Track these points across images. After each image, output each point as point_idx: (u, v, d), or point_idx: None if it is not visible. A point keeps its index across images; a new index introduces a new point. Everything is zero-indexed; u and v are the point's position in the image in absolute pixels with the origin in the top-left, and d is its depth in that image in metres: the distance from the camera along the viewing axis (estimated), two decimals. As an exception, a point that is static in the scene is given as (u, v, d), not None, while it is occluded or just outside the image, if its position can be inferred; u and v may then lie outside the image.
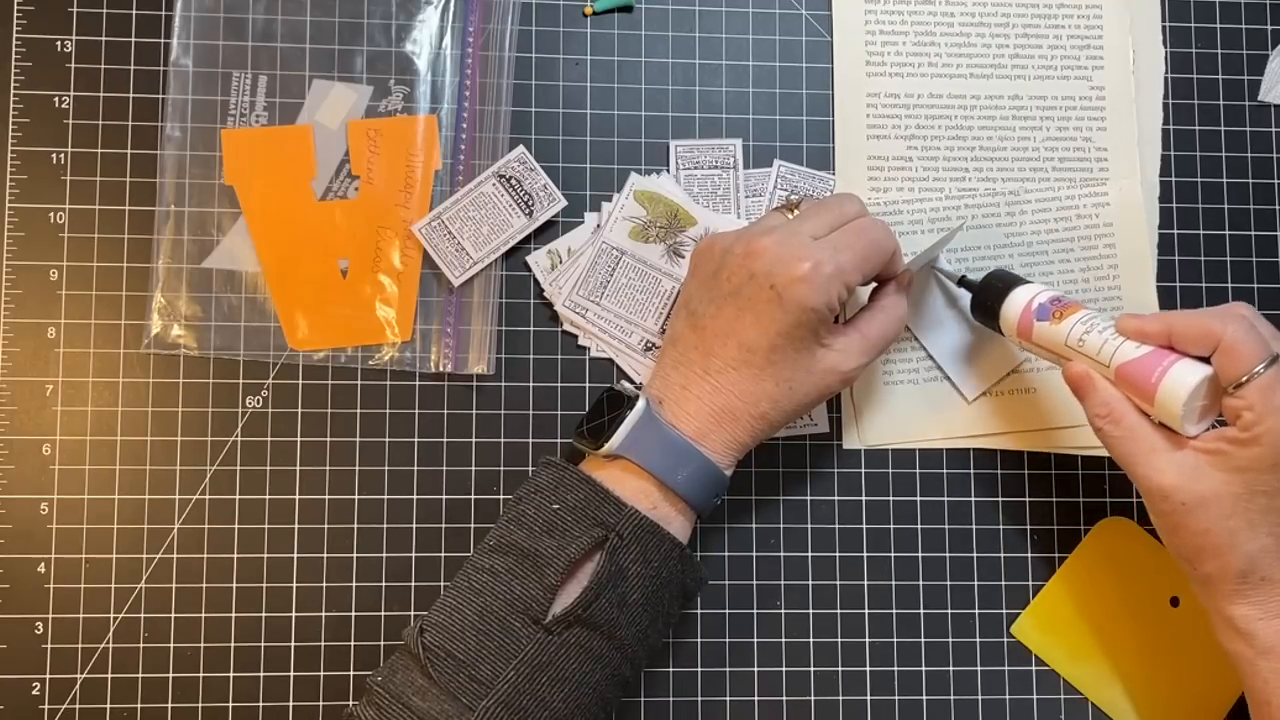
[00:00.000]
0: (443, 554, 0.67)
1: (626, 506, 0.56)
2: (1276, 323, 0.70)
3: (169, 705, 0.65)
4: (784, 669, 0.68)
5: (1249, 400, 0.54)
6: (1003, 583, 0.69)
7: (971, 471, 0.70)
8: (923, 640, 0.68)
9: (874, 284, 0.65)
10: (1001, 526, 0.69)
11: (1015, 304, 0.63)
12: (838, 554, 0.69)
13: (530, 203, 0.69)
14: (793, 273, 0.57)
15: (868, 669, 0.68)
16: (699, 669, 0.68)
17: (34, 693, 0.65)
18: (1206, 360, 0.56)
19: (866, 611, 0.68)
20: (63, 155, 0.68)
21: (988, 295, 0.65)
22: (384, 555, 0.67)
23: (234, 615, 0.66)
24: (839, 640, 0.68)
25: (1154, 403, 0.56)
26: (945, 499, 0.69)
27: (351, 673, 0.66)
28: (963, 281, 0.67)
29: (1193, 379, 0.55)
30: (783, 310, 0.57)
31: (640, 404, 0.58)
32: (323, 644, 0.66)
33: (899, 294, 0.64)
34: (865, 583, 0.69)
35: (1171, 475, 0.55)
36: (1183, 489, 0.55)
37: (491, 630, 0.54)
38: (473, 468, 0.68)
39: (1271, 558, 0.55)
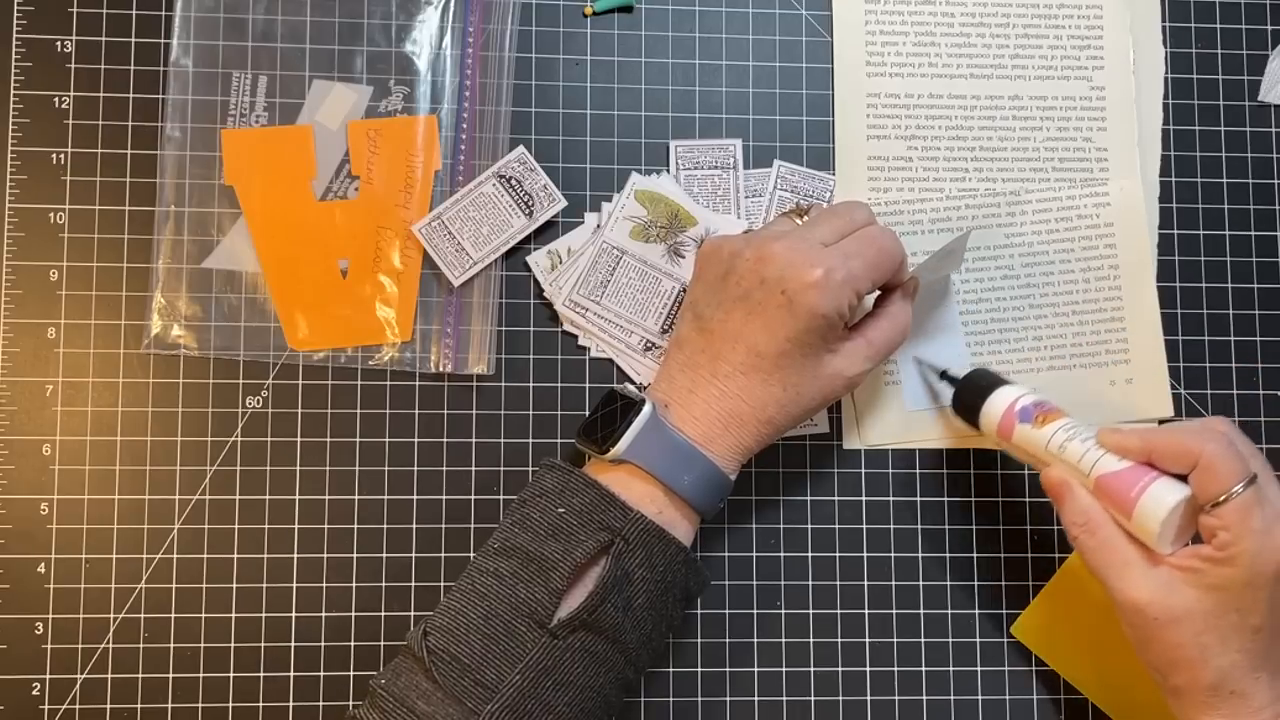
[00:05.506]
0: (443, 554, 0.67)
1: (632, 511, 0.56)
2: (1277, 321, 0.71)
3: (169, 705, 0.65)
4: (784, 669, 0.68)
5: (1225, 520, 0.54)
6: (1003, 583, 0.69)
7: (971, 471, 0.70)
8: (923, 640, 0.69)
9: (877, 290, 0.65)
10: (1001, 526, 0.70)
11: (997, 404, 0.63)
12: (838, 554, 0.69)
13: (530, 203, 0.68)
14: (804, 279, 0.57)
15: (868, 669, 0.68)
16: (699, 669, 0.68)
17: (34, 693, 0.65)
18: (1184, 478, 0.56)
19: (866, 611, 0.69)
20: (63, 155, 0.68)
21: (970, 393, 0.65)
22: (384, 555, 0.67)
23: (234, 615, 0.66)
24: (839, 640, 0.68)
25: (1131, 518, 0.56)
26: (945, 499, 0.70)
27: (351, 673, 0.66)
28: (944, 376, 0.68)
29: (1171, 499, 0.55)
30: (793, 316, 0.57)
31: (646, 408, 0.58)
32: (323, 644, 0.66)
33: (904, 301, 0.64)
34: (865, 583, 0.69)
35: (1146, 591, 0.55)
36: (1156, 604, 0.55)
37: (496, 634, 0.54)
38: (473, 468, 0.68)
39: (1241, 673, 0.55)
